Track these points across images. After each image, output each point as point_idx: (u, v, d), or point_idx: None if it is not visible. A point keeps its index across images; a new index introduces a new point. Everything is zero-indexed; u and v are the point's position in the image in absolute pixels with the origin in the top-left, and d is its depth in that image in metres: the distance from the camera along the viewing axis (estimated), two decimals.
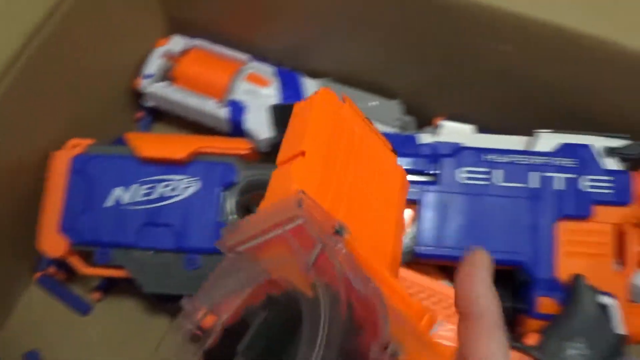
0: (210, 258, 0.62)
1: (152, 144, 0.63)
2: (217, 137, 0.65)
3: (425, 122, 0.74)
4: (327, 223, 0.30)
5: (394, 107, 0.74)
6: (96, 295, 0.71)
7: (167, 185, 0.62)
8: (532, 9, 0.58)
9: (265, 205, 0.32)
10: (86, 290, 0.72)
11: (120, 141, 0.66)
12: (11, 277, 0.70)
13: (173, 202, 0.62)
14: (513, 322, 0.64)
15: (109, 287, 0.71)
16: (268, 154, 0.72)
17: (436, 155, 0.62)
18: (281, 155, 0.34)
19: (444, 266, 0.65)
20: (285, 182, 0.32)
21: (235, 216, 0.62)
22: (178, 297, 0.63)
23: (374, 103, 0.74)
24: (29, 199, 0.65)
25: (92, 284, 0.72)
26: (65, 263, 0.64)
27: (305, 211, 0.29)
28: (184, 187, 0.62)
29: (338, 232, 0.30)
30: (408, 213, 0.62)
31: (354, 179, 0.36)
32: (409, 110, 0.75)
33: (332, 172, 0.35)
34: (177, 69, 0.76)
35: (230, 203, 0.62)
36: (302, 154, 0.33)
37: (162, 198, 0.62)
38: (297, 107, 0.37)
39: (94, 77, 0.71)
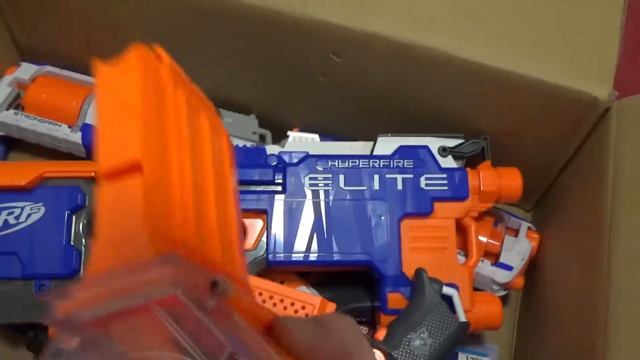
0: (61, 283, 0.61)
1: None
2: (62, 161, 0.65)
3: (282, 135, 0.76)
4: (202, 280, 0.25)
5: (250, 122, 0.76)
6: None
7: (10, 213, 0.61)
8: (358, 21, 0.61)
9: (103, 249, 0.25)
10: None
11: None
12: None
13: (17, 230, 0.61)
14: (374, 320, 0.67)
15: None
16: None
17: (283, 164, 0.64)
18: (105, 157, 0.27)
19: (303, 272, 0.67)
20: (135, 223, 0.25)
21: (87, 239, 0.62)
22: (33, 325, 0.62)
23: (229, 119, 0.75)
24: None
25: None
26: None
27: (179, 279, 0.23)
28: (28, 213, 0.61)
29: (216, 287, 0.25)
30: (258, 223, 0.64)
31: (194, 170, 0.32)
32: (266, 124, 0.77)
33: (175, 176, 0.30)
34: (27, 96, 0.75)
35: (79, 226, 0.62)
36: (140, 168, 0.26)
37: (5, 226, 0.60)
38: (106, 73, 0.30)
39: None
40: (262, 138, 0.77)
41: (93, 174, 0.63)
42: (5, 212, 0.61)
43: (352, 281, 0.67)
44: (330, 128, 0.73)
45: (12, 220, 0.61)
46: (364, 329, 0.69)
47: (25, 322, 0.61)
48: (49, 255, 0.60)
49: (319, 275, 0.69)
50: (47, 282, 0.60)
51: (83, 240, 0.62)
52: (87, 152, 0.73)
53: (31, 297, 0.60)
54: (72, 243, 0.61)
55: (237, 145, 0.67)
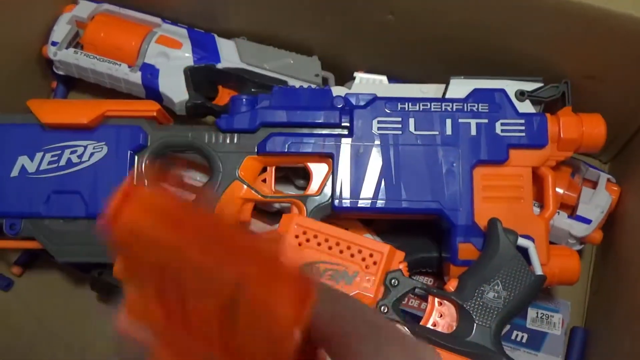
0: None
1: (55, 109, 0.61)
2: (123, 100, 0.63)
3: (345, 77, 0.73)
4: None
5: (312, 63, 0.73)
6: (16, 269, 0.69)
7: (73, 152, 0.60)
8: None
9: None
10: (6, 266, 0.69)
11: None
12: None
13: (81, 169, 0.60)
14: (441, 271, 0.64)
15: (30, 260, 0.69)
16: (183, 117, 0.70)
17: (350, 107, 0.61)
18: None
19: (367, 220, 0.65)
20: None
21: (147, 181, 0.60)
22: (100, 265, 0.62)
23: (291, 60, 0.72)
24: None
25: (12, 258, 0.69)
26: None
27: None
28: (91, 152, 0.60)
29: None
30: (322, 168, 0.61)
31: None
32: (328, 67, 0.74)
33: None
34: (86, 35, 0.73)
35: (141, 166, 0.60)
36: None
37: (69, 165, 0.60)
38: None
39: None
40: (325, 81, 0.73)
41: (155, 113, 0.62)
42: (68, 151, 0.60)
43: (417, 230, 0.65)
44: (396, 71, 0.70)
45: (75, 159, 0.60)
46: (430, 280, 0.66)
47: (89, 261, 0.60)
48: (110, 194, 0.59)
49: (382, 223, 0.66)
50: None
51: (145, 181, 0.60)
52: (147, 92, 0.71)
53: (94, 237, 0.59)
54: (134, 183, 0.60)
55: (301, 87, 0.65)
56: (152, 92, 0.70)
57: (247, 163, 0.61)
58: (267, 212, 0.66)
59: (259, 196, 0.61)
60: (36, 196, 0.59)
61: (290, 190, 0.67)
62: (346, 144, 0.60)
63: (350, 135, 0.60)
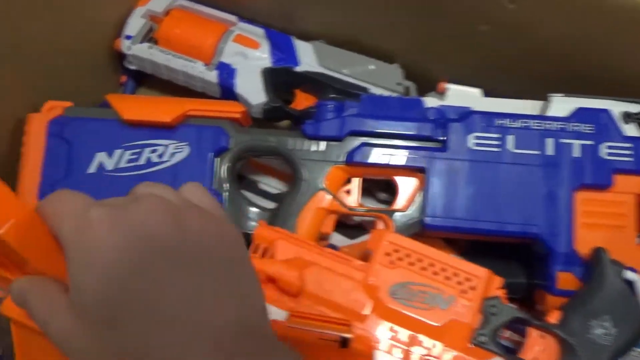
0: None
1: (137, 106, 0.58)
2: (206, 99, 0.60)
3: (426, 88, 0.69)
4: None
5: (394, 71, 0.69)
6: None
7: (154, 151, 0.57)
8: None
9: None
10: None
11: (105, 106, 0.61)
12: None
13: (161, 169, 0.57)
14: (531, 299, 0.60)
15: None
16: (259, 120, 0.67)
17: (444, 119, 0.58)
18: None
19: (450, 239, 0.62)
20: None
21: (228, 184, 0.57)
22: None
23: (372, 67, 0.69)
24: (4, 166, 0.59)
25: None
26: None
27: None
28: (172, 152, 0.57)
29: None
30: (411, 182, 0.58)
31: None
32: (409, 75, 0.71)
33: None
34: (161, 30, 0.70)
35: (223, 170, 0.58)
36: None
37: (149, 164, 0.57)
38: None
39: (71, 38, 0.66)
40: (406, 90, 0.70)
41: (239, 115, 0.59)
42: (148, 150, 0.57)
43: (502, 253, 0.61)
44: (484, 84, 0.66)
45: (155, 159, 0.57)
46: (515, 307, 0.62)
47: None
48: None
49: (462, 243, 0.63)
50: None
51: (225, 186, 0.57)
52: (222, 91, 0.68)
53: None
54: (214, 187, 0.57)
55: (390, 96, 0.61)
56: (227, 92, 0.68)
57: (332, 173, 0.58)
58: (347, 225, 0.63)
59: (344, 208, 0.57)
60: (113, 195, 0.56)
61: (370, 204, 0.63)
62: (440, 159, 0.57)
63: (444, 149, 0.57)
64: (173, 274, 0.29)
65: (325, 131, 0.58)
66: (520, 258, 0.60)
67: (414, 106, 0.59)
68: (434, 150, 0.57)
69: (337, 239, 0.62)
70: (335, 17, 0.71)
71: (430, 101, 0.60)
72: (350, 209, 0.58)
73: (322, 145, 0.58)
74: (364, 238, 0.62)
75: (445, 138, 0.57)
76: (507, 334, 0.58)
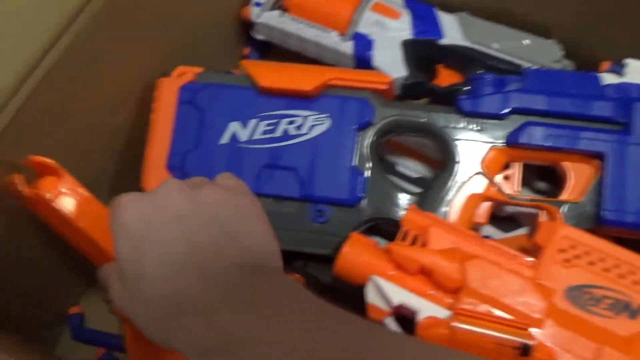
0: (340, 211, 0.51)
1: (275, 73, 0.53)
2: (348, 69, 0.54)
3: (585, 68, 0.61)
4: None
5: (551, 48, 0.61)
6: None
7: (291, 122, 0.52)
8: None
9: None
10: None
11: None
12: None
13: (299, 142, 0.51)
14: None
15: None
16: (399, 96, 0.61)
17: (626, 98, 0.50)
18: None
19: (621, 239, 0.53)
20: None
21: (372, 163, 0.51)
22: (300, 255, 0.53)
23: (527, 41, 0.62)
24: (132, 132, 0.56)
25: None
26: None
27: None
28: (311, 124, 0.51)
29: None
30: (584, 169, 0.50)
31: None
32: (566, 54, 0.62)
33: None
34: None
35: (366, 146, 0.51)
36: None
37: (285, 137, 0.52)
38: None
39: (199, 4, 0.61)
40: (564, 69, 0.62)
41: (386, 86, 0.53)
42: (285, 121, 0.52)
43: None
44: None
45: (292, 131, 0.52)
46: None
47: (295, 249, 0.51)
48: (331, 176, 0.51)
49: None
50: (326, 207, 0.51)
51: (368, 163, 0.51)
52: (357, 64, 0.62)
53: (306, 222, 0.51)
54: (356, 164, 0.51)
55: (560, 71, 0.54)
56: (363, 64, 0.62)
57: (491, 155, 0.50)
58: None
59: (503, 196, 0.50)
60: (246, 169, 0.51)
61: (525, 193, 0.56)
62: (623, 144, 0.48)
63: (627, 133, 0.49)
64: (185, 231, 0.36)
65: (484, 107, 0.51)
66: None
67: (590, 82, 0.51)
68: (615, 133, 0.49)
69: (488, 231, 0.54)
70: None
71: (608, 77, 0.51)
72: (511, 197, 0.50)
73: (480, 123, 0.51)
74: (520, 232, 0.54)
75: (628, 120, 0.49)
76: None
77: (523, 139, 0.50)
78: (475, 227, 0.52)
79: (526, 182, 0.56)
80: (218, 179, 0.41)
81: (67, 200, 0.46)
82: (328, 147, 0.51)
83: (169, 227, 0.36)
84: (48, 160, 0.45)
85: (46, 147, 0.47)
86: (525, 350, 0.38)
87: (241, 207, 0.39)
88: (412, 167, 0.58)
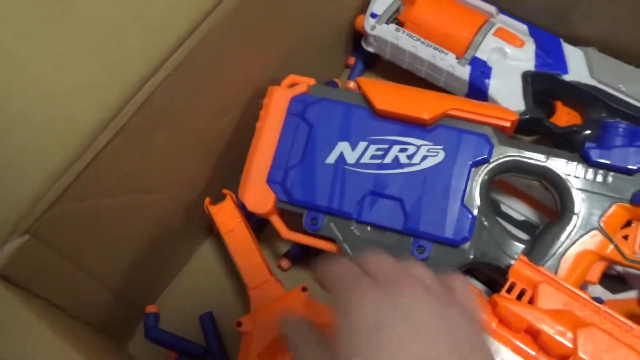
0: (442, 250, 0.48)
1: (392, 95, 0.50)
2: (470, 100, 0.51)
3: None
4: None
5: None
6: (285, 263, 0.60)
7: (403, 150, 0.49)
8: None
9: None
10: (273, 254, 0.61)
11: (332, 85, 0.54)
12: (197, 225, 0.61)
13: (408, 172, 0.49)
14: None
15: (301, 256, 0.60)
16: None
17: None
18: None
19: None
20: None
21: (482, 203, 0.48)
22: None
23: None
24: (236, 136, 0.55)
25: (282, 247, 0.61)
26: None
27: None
28: (424, 154, 0.49)
29: None
30: None
31: None
32: None
33: None
34: (411, 11, 0.62)
35: (477, 184, 0.49)
36: None
37: (395, 164, 0.49)
38: None
39: (312, 11, 0.59)
40: None
41: (509, 123, 0.50)
42: (397, 147, 0.49)
43: None
44: None
45: (403, 159, 0.49)
46: None
47: None
48: (438, 212, 0.48)
49: None
50: (427, 244, 0.48)
51: (477, 204, 0.48)
52: (470, 90, 0.59)
53: (405, 256, 0.49)
54: (466, 204, 0.48)
55: None
56: (476, 92, 0.59)
57: (613, 211, 0.47)
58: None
59: (622, 258, 0.47)
60: (350, 192, 0.49)
61: None
62: None
63: None
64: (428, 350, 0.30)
65: (615, 160, 0.47)
66: None
67: None
68: None
69: (595, 290, 0.51)
70: (612, 20, 0.60)
71: None
72: (629, 259, 0.47)
73: (607, 176, 0.47)
74: (630, 295, 0.50)
75: None
76: None
77: None
78: (583, 286, 0.49)
79: None
80: (454, 286, 0.35)
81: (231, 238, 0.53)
82: (438, 181, 0.48)
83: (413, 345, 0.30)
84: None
85: (156, 146, 0.46)
86: None
87: (478, 344, 0.32)
88: (517, 209, 0.55)
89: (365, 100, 0.51)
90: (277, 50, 0.56)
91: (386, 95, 0.50)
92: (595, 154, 0.47)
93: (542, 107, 0.59)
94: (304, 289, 0.51)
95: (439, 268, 0.46)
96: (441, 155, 0.49)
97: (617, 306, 0.49)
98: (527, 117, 0.57)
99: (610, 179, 0.47)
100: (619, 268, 0.51)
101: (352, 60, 0.71)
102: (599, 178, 0.47)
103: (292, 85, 0.54)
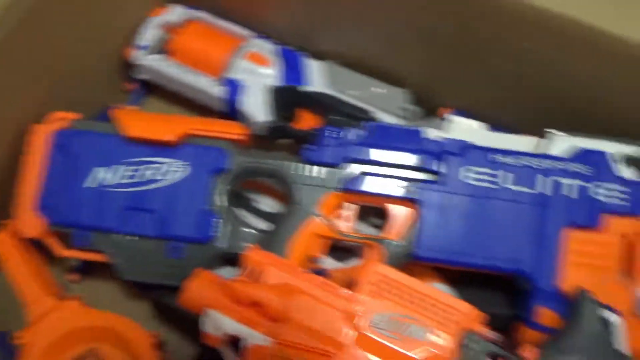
0: (195, 248, 0.58)
1: (140, 122, 0.59)
2: (209, 119, 0.61)
3: (432, 113, 0.70)
4: None
5: (399, 96, 0.70)
6: (74, 277, 0.67)
7: (155, 168, 0.58)
8: (557, 4, 0.54)
9: None
10: (63, 271, 0.68)
11: (105, 114, 0.62)
12: None
13: (159, 187, 0.58)
14: (511, 330, 0.61)
15: (88, 269, 0.68)
16: (262, 138, 0.68)
17: (441, 152, 0.58)
18: None
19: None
20: None
21: (225, 205, 0.59)
22: (159, 286, 0.60)
23: (378, 90, 0.70)
24: (3, 173, 0.61)
25: (70, 263, 0.68)
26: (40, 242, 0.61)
27: None
28: (172, 171, 0.58)
29: None
30: (404, 212, 0.59)
31: None
32: (416, 100, 0.71)
33: None
34: (175, 42, 0.72)
35: (220, 190, 0.59)
36: None
37: (147, 181, 0.58)
38: None
39: (81, 45, 0.66)
40: (410, 115, 0.70)
41: (241, 136, 0.60)
42: (149, 167, 0.58)
43: (490, 283, 0.61)
44: (487, 114, 0.66)
45: (154, 176, 0.58)
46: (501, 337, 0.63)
47: (154, 282, 0.58)
48: (186, 217, 0.58)
49: (454, 272, 0.63)
50: (180, 245, 0.58)
51: (221, 206, 0.59)
52: (229, 107, 0.69)
53: (162, 258, 0.58)
54: (211, 207, 0.58)
55: (394, 125, 0.62)
56: (232, 107, 0.69)
57: (328, 199, 0.58)
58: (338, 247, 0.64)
59: (338, 234, 0.58)
60: (109, 210, 0.58)
61: (364, 228, 0.64)
62: (435, 192, 0.57)
63: (440, 182, 0.58)
64: None
65: (324, 157, 0.59)
66: (507, 289, 0.61)
67: (412, 136, 0.59)
68: (429, 182, 0.58)
69: (329, 261, 0.62)
70: (350, 38, 0.71)
71: (430, 132, 0.60)
72: (344, 234, 0.59)
73: (321, 171, 0.59)
74: (355, 263, 0.62)
75: (441, 171, 0.58)
76: None
77: (354, 185, 0.58)
78: (315, 259, 0.60)
79: (366, 219, 0.64)
80: None
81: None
82: (186, 191, 0.58)
83: None
84: None
85: None
86: None
87: None
88: (269, 204, 0.66)
89: (119, 129, 0.59)
90: (37, 91, 0.62)
91: (135, 123, 0.59)
92: (309, 155, 0.59)
93: (290, 115, 0.71)
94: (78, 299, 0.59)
95: (195, 264, 0.56)
96: (188, 170, 0.58)
97: (345, 273, 0.61)
98: (273, 125, 0.67)
99: (323, 173, 0.59)
100: (347, 243, 0.62)
101: (132, 86, 0.78)
102: (314, 173, 0.59)
103: (58, 119, 0.61)
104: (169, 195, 0.58)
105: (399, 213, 0.58)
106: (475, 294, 0.61)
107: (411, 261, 0.58)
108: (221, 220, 0.58)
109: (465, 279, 0.62)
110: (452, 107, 0.68)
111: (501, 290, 0.62)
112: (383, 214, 0.60)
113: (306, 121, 0.71)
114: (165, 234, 0.58)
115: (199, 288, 0.52)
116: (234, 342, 0.51)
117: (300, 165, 0.59)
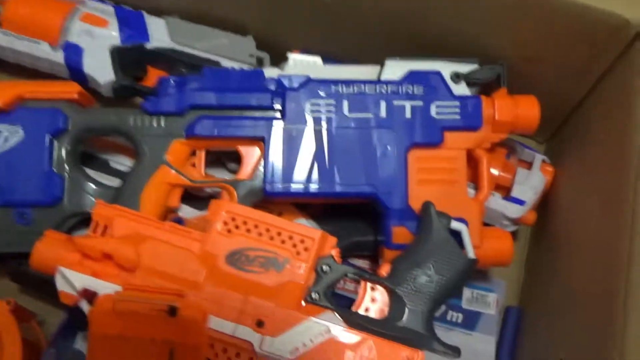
0: (43, 211, 0.57)
1: None
2: (41, 81, 0.59)
3: (281, 58, 0.71)
4: None
5: (246, 44, 0.70)
6: None
7: None
8: None
9: None
10: None
11: None
12: None
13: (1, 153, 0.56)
14: (377, 255, 0.63)
15: None
16: (111, 99, 0.67)
17: (282, 89, 0.59)
18: None
19: (302, 204, 0.64)
20: None
21: (68, 166, 0.57)
22: (15, 255, 0.58)
23: (223, 40, 0.70)
24: None
25: None
26: None
27: None
28: (5, 137, 0.56)
29: None
30: (254, 151, 0.59)
31: None
32: (263, 46, 0.71)
33: None
34: (5, 11, 0.68)
35: (62, 151, 0.57)
36: None
37: None
38: None
39: None
40: (260, 61, 0.71)
41: (75, 95, 0.59)
42: None
43: (354, 214, 0.64)
44: (333, 51, 0.68)
45: None
46: (367, 264, 0.66)
47: (6, 252, 0.56)
48: (29, 181, 0.56)
49: (318, 207, 0.65)
50: (28, 210, 0.56)
51: (66, 167, 0.57)
52: (71, 72, 0.67)
53: (12, 225, 0.56)
54: (54, 169, 0.57)
55: (232, 68, 0.62)
56: (76, 72, 0.67)
57: (174, 147, 0.58)
58: (199, 197, 0.64)
59: (188, 181, 0.58)
60: None
61: (223, 174, 0.64)
62: (278, 127, 0.58)
63: (282, 118, 0.59)
64: None
65: (165, 106, 0.58)
66: (369, 217, 0.63)
67: (254, 77, 0.60)
68: (272, 119, 0.58)
69: (188, 211, 0.62)
70: None
71: (271, 71, 0.61)
72: (194, 181, 0.59)
73: (163, 120, 0.58)
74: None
75: (283, 107, 0.58)
76: (351, 287, 0.61)
77: (198, 130, 0.58)
78: (172, 210, 0.60)
79: (223, 164, 0.65)
80: None
81: None
82: (23, 156, 0.56)
83: None
84: None
85: None
86: (172, 311, 0.46)
87: None
88: (125, 163, 0.65)
89: None
90: None
91: None
92: (149, 106, 0.58)
93: (137, 72, 0.69)
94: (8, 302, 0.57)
95: (45, 227, 0.54)
96: (21, 134, 0.57)
97: (202, 220, 0.61)
98: (118, 85, 0.66)
99: (166, 122, 0.58)
100: (207, 189, 0.62)
101: None
102: (156, 123, 0.58)
103: None
104: (7, 162, 0.56)
105: (250, 153, 0.59)
106: (341, 226, 0.63)
107: (265, 199, 0.58)
108: (67, 181, 0.57)
109: (329, 213, 0.64)
110: (298, 49, 0.69)
111: (364, 219, 0.64)
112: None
113: (153, 78, 0.69)
114: (10, 201, 0.56)
115: (47, 248, 0.51)
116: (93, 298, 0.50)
117: (139, 117, 0.58)
